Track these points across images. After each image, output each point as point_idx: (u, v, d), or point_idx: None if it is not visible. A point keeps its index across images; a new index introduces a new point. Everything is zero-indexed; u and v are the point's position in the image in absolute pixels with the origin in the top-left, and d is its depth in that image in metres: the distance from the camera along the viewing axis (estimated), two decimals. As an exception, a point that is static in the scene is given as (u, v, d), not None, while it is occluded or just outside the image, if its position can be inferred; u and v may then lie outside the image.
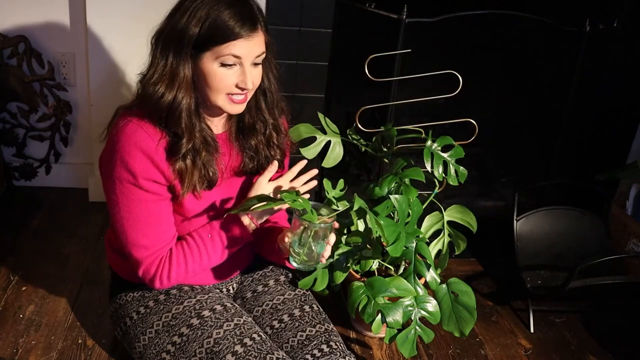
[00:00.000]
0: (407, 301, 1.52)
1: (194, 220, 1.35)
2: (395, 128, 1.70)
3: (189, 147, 1.25)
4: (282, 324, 1.39)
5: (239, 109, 1.28)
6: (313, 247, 1.29)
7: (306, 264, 1.32)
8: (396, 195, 1.50)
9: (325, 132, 1.78)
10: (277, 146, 1.40)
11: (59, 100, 2.22)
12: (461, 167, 1.63)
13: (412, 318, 1.52)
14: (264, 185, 1.36)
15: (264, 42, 1.25)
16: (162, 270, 1.30)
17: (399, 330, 1.51)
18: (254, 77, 1.25)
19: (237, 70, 1.22)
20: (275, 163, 1.40)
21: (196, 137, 1.26)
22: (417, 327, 1.52)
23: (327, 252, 1.34)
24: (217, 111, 1.30)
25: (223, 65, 1.21)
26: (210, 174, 1.30)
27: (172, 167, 1.25)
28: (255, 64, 1.25)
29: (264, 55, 1.26)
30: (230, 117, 1.37)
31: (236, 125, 1.37)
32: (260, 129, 1.37)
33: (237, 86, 1.23)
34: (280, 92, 1.38)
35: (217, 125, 1.35)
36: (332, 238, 1.33)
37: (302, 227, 1.28)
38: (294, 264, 1.32)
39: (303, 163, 1.43)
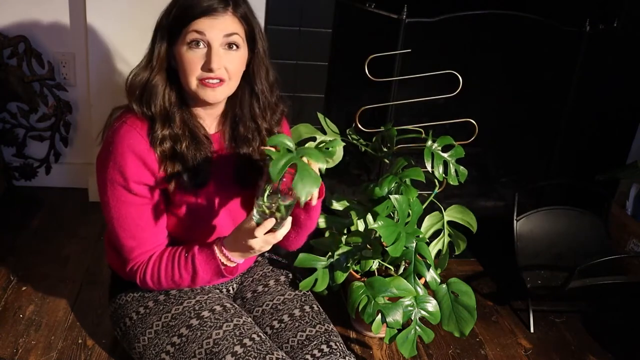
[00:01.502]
0: (407, 301, 1.52)
1: (192, 223, 1.35)
2: (395, 128, 1.71)
3: (165, 133, 1.24)
4: (282, 324, 1.39)
5: (213, 95, 1.24)
6: (264, 198, 1.17)
7: (259, 214, 1.19)
8: (396, 195, 1.51)
9: (325, 132, 1.78)
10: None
11: (59, 100, 2.22)
12: (461, 167, 1.63)
13: (412, 318, 1.52)
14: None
15: (240, 27, 1.23)
16: (141, 271, 1.31)
17: (399, 330, 1.51)
18: (225, 61, 1.22)
19: (206, 52, 1.21)
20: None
21: (176, 125, 1.26)
22: (417, 327, 1.52)
23: (268, 222, 1.18)
24: (201, 103, 1.28)
25: (190, 46, 1.21)
26: (198, 170, 1.29)
27: (157, 158, 1.24)
28: (229, 48, 1.22)
29: (238, 39, 1.23)
30: (224, 118, 1.36)
31: (230, 132, 1.36)
32: (254, 138, 1.35)
33: (203, 68, 1.21)
34: (276, 96, 1.36)
35: (209, 125, 1.34)
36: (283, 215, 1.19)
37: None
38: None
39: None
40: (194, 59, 1.21)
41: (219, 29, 1.20)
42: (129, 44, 2.07)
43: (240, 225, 1.25)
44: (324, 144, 1.21)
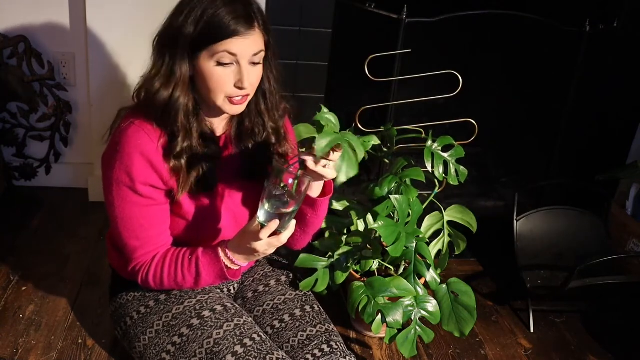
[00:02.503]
0: (407, 301, 1.52)
1: (196, 223, 1.35)
2: (395, 128, 1.71)
3: (184, 146, 1.24)
4: (283, 324, 1.39)
5: (238, 109, 1.26)
6: (266, 201, 1.18)
7: (264, 216, 1.19)
8: (396, 195, 1.51)
9: (325, 132, 1.78)
10: (274, 150, 1.38)
11: (59, 100, 2.22)
12: (461, 167, 1.63)
13: (412, 318, 1.52)
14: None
15: (263, 41, 1.24)
16: (143, 270, 1.31)
17: (399, 330, 1.51)
18: (251, 76, 1.23)
19: (235, 69, 1.21)
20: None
21: (193, 136, 1.26)
22: (417, 327, 1.52)
23: (272, 224, 1.18)
24: (217, 112, 1.29)
25: (220, 64, 1.20)
26: (208, 175, 1.29)
27: (169, 167, 1.25)
28: (254, 64, 1.23)
29: (262, 55, 1.24)
30: (231, 118, 1.36)
31: (236, 128, 1.36)
32: (259, 133, 1.35)
33: (235, 86, 1.22)
34: (280, 94, 1.37)
35: (217, 126, 1.35)
36: (288, 223, 1.21)
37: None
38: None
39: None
40: (223, 77, 1.20)
41: (248, 48, 1.20)
42: (129, 43, 2.06)
43: (244, 227, 1.25)
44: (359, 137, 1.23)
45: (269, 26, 1.26)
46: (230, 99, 1.23)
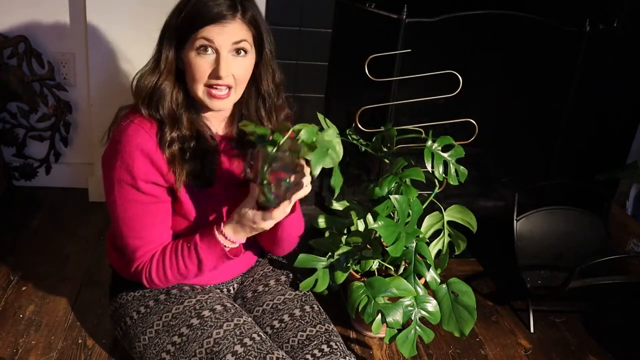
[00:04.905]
0: (407, 301, 1.52)
1: (196, 221, 1.35)
2: (395, 128, 1.71)
3: (173, 136, 1.25)
4: (283, 324, 1.39)
5: (219, 105, 1.25)
6: (264, 179, 1.16)
7: (262, 200, 1.19)
8: (396, 195, 1.51)
9: (325, 132, 1.78)
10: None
11: (59, 100, 2.22)
12: (461, 167, 1.63)
13: (412, 318, 1.52)
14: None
15: (249, 33, 1.23)
16: (146, 269, 1.31)
17: (399, 330, 1.51)
18: (233, 68, 1.22)
19: (214, 58, 1.21)
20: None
21: (183, 127, 1.26)
22: (417, 327, 1.52)
23: (285, 205, 1.20)
24: (207, 108, 1.28)
25: (198, 52, 1.21)
26: (205, 169, 1.29)
27: (166, 160, 1.25)
28: (237, 54, 1.23)
29: (246, 45, 1.23)
30: (231, 121, 1.36)
31: (237, 131, 1.36)
32: None
33: (211, 75, 1.21)
34: (281, 98, 1.36)
35: (217, 126, 1.35)
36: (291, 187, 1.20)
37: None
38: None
39: None
40: (202, 65, 1.21)
41: (228, 36, 1.20)
42: (129, 43, 2.07)
43: (242, 207, 1.25)
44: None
45: (259, 22, 1.25)
46: (210, 92, 1.23)
